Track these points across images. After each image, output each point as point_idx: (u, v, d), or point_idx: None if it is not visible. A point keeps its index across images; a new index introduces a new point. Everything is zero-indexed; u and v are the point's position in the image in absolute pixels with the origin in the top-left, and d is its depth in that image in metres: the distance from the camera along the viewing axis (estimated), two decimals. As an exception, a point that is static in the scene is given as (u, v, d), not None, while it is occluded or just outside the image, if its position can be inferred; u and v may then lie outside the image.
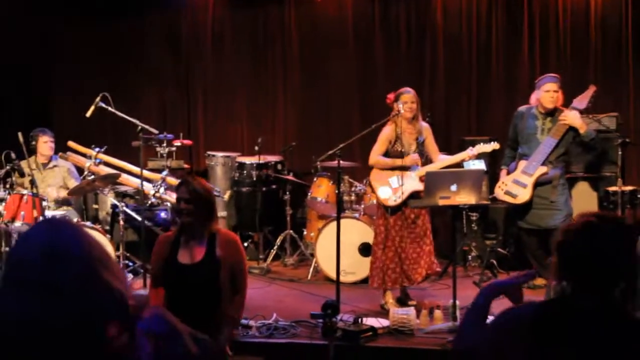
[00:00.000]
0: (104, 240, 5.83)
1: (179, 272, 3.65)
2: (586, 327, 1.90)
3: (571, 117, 5.60)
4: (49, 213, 5.86)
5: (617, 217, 2.13)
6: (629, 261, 1.94)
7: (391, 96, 5.41)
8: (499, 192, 5.92)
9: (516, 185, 5.76)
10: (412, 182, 5.28)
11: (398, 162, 5.34)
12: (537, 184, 5.71)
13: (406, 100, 5.32)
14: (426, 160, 5.48)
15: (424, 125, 5.52)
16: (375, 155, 5.44)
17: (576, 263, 1.96)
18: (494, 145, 5.43)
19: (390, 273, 5.36)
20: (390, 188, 5.32)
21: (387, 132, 5.41)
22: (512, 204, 6.01)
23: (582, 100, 5.70)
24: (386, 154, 5.42)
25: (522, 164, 5.78)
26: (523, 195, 5.72)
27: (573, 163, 6.63)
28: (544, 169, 5.65)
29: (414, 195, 5.29)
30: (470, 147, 5.37)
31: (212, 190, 3.80)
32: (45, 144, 6.59)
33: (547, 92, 5.71)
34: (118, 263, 5.93)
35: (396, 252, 5.34)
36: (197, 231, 3.68)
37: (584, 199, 6.70)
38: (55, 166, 6.64)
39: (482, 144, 5.43)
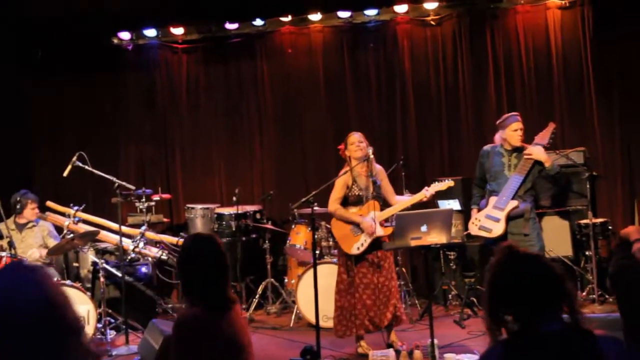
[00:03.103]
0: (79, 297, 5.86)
1: None
2: (554, 351, 2.00)
3: (536, 152, 5.76)
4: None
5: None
6: (563, 281, 2.08)
7: (341, 147, 5.59)
8: (473, 228, 5.99)
9: (489, 220, 5.85)
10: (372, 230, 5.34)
11: (354, 218, 5.42)
12: (509, 218, 5.82)
13: (353, 142, 5.50)
14: (383, 202, 5.57)
15: (378, 167, 5.63)
16: (335, 203, 5.52)
17: (519, 293, 2.06)
18: (449, 183, 5.59)
19: (355, 320, 5.39)
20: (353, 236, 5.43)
21: (342, 178, 5.53)
22: (487, 240, 6.11)
23: (543, 137, 5.86)
24: (345, 200, 5.52)
25: (493, 199, 5.89)
26: (497, 229, 5.79)
27: (542, 198, 6.78)
28: (514, 203, 5.76)
29: (377, 240, 5.36)
30: (426, 188, 5.49)
31: None
32: (32, 210, 6.60)
33: (515, 131, 5.86)
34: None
35: (361, 298, 5.38)
36: None
37: (556, 233, 6.84)
38: (34, 226, 6.67)
39: (436, 182, 5.57)
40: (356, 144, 5.46)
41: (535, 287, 2.05)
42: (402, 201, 5.51)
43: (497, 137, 6.10)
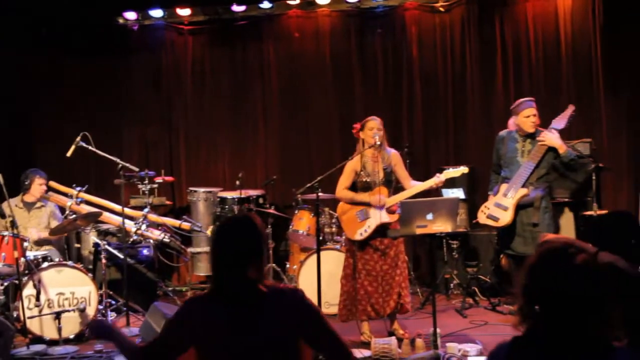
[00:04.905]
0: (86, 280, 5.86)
1: None
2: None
3: (549, 137, 5.60)
4: (30, 254, 5.86)
5: (584, 247, 2.00)
6: (598, 290, 1.90)
7: (357, 126, 5.49)
8: (481, 217, 5.87)
9: (498, 209, 5.71)
10: (378, 216, 5.30)
11: (363, 198, 5.37)
12: (520, 207, 5.67)
13: (372, 127, 5.39)
14: (396, 187, 5.52)
15: (392, 151, 5.54)
16: (342, 188, 5.48)
17: (547, 296, 1.92)
18: (463, 170, 5.44)
19: (357, 305, 5.39)
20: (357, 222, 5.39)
21: (352, 163, 5.46)
22: (496, 230, 6.03)
23: (560, 121, 5.69)
24: (354, 186, 5.47)
25: (504, 187, 5.75)
26: (504, 217, 5.67)
27: (554, 188, 6.68)
28: (524, 191, 5.62)
29: (383, 227, 5.32)
30: (438, 174, 5.41)
31: None
32: (40, 186, 6.58)
33: (527, 118, 5.71)
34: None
35: (362, 285, 5.37)
36: None
37: (562, 224, 6.78)
38: (42, 206, 6.64)
39: (450, 169, 5.46)
40: (375, 131, 5.38)
41: (562, 299, 1.90)
42: (414, 187, 5.43)
43: (510, 122, 5.95)
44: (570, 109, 5.77)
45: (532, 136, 5.71)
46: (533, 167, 5.63)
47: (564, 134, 5.84)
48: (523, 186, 5.62)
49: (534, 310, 1.94)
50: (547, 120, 5.96)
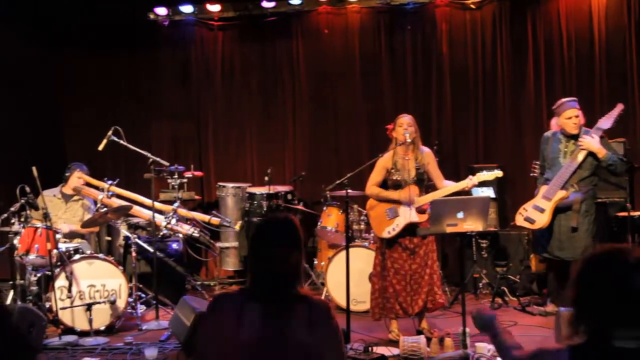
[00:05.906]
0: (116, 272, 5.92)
1: None
2: None
3: (587, 142, 5.45)
4: (62, 246, 5.94)
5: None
6: None
7: (390, 126, 5.47)
8: (519, 219, 5.76)
9: (535, 211, 5.61)
10: (407, 214, 5.27)
11: (392, 195, 5.35)
12: (559, 209, 5.56)
13: (401, 124, 5.36)
14: (427, 187, 5.48)
15: (425, 150, 5.50)
16: (372, 185, 5.45)
17: (607, 302, 1.89)
18: (497, 173, 5.33)
19: (386, 303, 5.38)
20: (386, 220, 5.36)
21: (383, 160, 5.43)
22: (531, 231, 5.93)
23: (607, 120, 5.53)
24: (384, 183, 5.45)
25: (543, 188, 5.64)
26: (540, 220, 5.57)
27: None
28: (562, 193, 5.50)
29: (413, 226, 5.29)
30: (470, 176, 5.33)
31: None
32: (77, 179, 6.70)
33: (569, 119, 5.58)
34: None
35: (391, 283, 5.35)
36: None
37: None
38: (80, 199, 6.73)
39: (484, 172, 5.38)
40: (404, 127, 5.35)
41: (620, 301, 1.87)
42: (446, 187, 5.38)
43: (553, 122, 5.80)
44: (618, 108, 5.57)
45: (575, 137, 5.56)
46: (574, 168, 5.49)
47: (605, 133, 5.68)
48: (562, 188, 5.49)
49: (589, 320, 1.91)
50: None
